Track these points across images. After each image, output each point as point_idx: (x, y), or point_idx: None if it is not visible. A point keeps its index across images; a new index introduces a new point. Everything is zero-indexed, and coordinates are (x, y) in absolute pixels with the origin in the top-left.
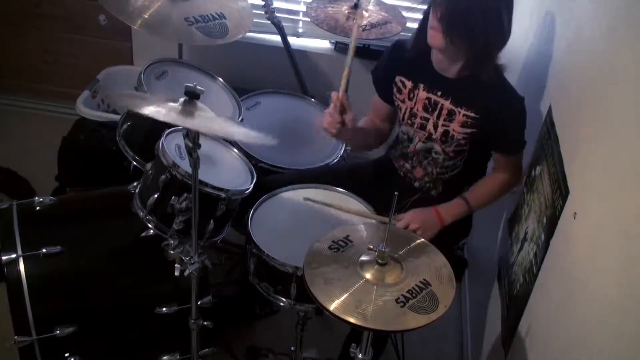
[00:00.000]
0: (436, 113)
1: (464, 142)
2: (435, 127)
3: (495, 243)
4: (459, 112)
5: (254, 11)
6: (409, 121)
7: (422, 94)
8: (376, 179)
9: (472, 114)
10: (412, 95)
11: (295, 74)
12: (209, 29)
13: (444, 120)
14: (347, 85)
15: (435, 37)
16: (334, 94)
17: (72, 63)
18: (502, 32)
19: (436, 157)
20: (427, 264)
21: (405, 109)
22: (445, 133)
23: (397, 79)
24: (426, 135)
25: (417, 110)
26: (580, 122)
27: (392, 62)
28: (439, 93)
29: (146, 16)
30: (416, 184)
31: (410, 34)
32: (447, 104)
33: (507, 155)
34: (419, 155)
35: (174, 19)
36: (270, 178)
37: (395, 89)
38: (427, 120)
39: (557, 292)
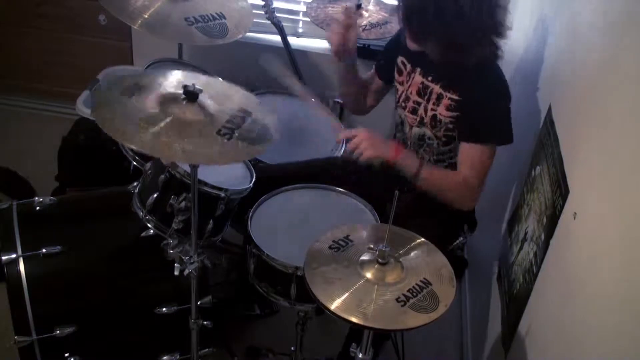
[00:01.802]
0: (427, 97)
1: (452, 127)
2: (426, 111)
3: (495, 243)
4: (446, 96)
5: (254, 11)
6: (403, 104)
7: (417, 78)
8: (377, 176)
9: (456, 97)
10: (409, 78)
11: (295, 74)
12: (209, 29)
13: (433, 104)
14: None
15: (408, 41)
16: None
17: (72, 63)
18: (469, 23)
19: (430, 142)
20: (428, 264)
21: (402, 92)
22: (434, 117)
23: (399, 59)
24: (418, 120)
25: (411, 93)
26: (580, 122)
27: (398, 42)
28: (430, 78)
29: (146, 16)
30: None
31: None
32: (436, 88)
33: (467, 143)
34: (415, 144)
35: (174, 19)
36: (269, 168)
37: (396, 70)
38: (419, 104)
39: (557, 292)
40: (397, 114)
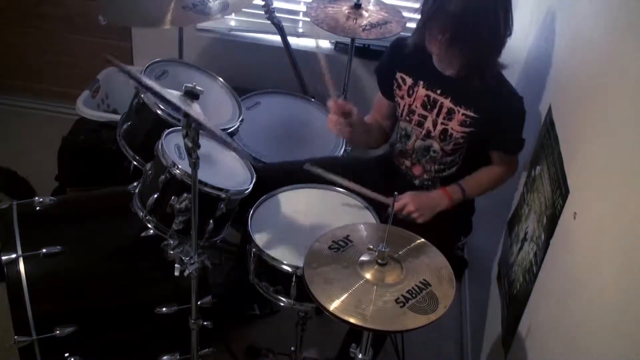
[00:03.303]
0: (435, 111)
1: (463, 141)
2: (435, 125)
3: (495, 243)
4: (459, 111)
5: (254, 11)
6: (407, 118)
7: (421, 91)
8: (377, 177)
9: (472, 114)
10: (411, 92)
11: (295, 74)
12: (207, 9)
13: (443, 118)
14: (345, 86)
15: (432, 45)
16: (330, 104)
17: (72, 63)
18: (498, 36)
19: (434, 155)
20: (427, 264)
21: (404, 105)
22: (444, 131)
23: (398, 75)
24: (424, 133)
25: (416, 107)
26: (580, 122)
27: (393, 58)
28: (439, 91)
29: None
30: (416, 182)
31: (410, 34)
32: (447, 102)
33: (506, 154)
34: (417, 153)
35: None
36: (269, 168)
37: (395, 85)
38: (425, 117)
39: (557, 292)
40: (400, 128)
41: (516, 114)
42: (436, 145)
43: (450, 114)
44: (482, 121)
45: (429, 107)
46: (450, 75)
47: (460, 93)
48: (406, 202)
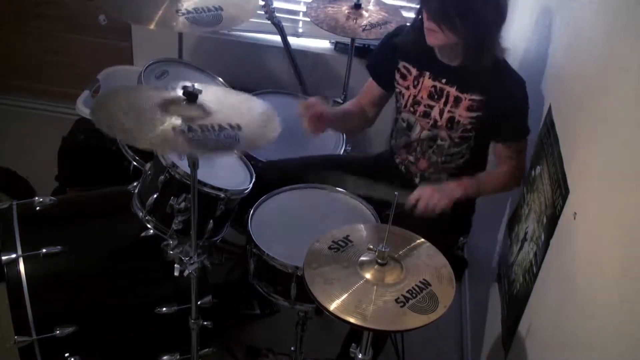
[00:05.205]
0: (443, 100)
1: (470, 127)
2: (441, 114)
3: (495, 243)
4: (465, 98)
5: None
6: (412, 108)
7: (427, 81)
8: (376, 176)
9: (477, 97)
10: (417, 82)
11: (295, 74)
12: (200, 18)
13: (450, 107)
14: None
15: (432, 36)
16: (300, 107)
17: (72, 63)
18: (493, 19)
19: (442, 144)
20: (427, 264)
21: (409, 96)
22: (451, 119)
23: (401, 64)
24: (431, 123)
25: (422, 97)
26: (580, 122)
27: (395, 47)
28: (444, 80)
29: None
30: (416, 180)
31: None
32: (453, 91)
33: (511, 144)
34: (423, 145)
35: (166, 9)
36: (268, 166)
37: (398, 75)
38: (432, 107)
39: (557, 292)
40: (401, 119)
41: (519, 97)
42: (444, 134)
43: (457, 101)
44: (487, 104)
45: (436, 97)
46: (453, 65)
47: (465, 80)
48: (419, 194)
